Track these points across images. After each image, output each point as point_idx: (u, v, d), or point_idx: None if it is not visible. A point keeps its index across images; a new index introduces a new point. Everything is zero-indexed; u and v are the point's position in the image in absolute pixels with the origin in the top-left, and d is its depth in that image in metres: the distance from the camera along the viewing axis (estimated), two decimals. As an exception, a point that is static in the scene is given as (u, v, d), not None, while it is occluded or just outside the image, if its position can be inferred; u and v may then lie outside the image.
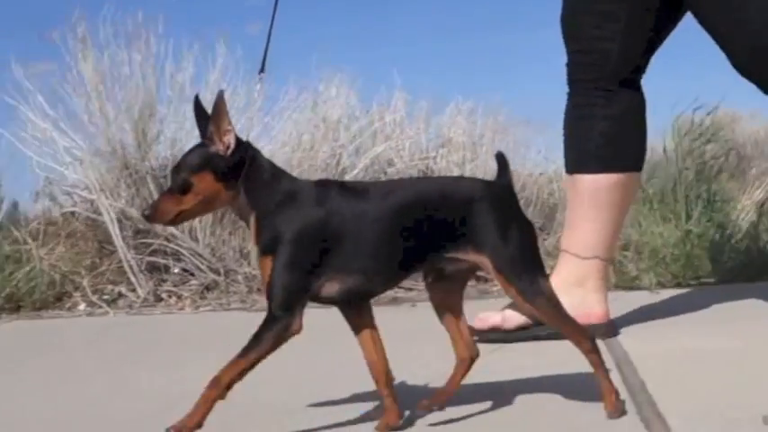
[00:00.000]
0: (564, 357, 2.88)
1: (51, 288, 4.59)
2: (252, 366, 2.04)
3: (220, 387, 2.03)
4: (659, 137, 5.05)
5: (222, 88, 4.75)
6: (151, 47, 4.91)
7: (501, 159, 2.23)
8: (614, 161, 3.24)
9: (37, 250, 4.62)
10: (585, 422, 2.24)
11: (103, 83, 4.87)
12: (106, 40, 4.88)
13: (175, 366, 3.11)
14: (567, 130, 3.33)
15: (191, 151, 2.14)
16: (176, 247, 4.66)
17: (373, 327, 2.20)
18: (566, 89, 3.32)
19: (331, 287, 2.08)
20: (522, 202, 4.83)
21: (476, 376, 2.30)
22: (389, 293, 4.38)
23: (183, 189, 2.08)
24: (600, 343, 3.05)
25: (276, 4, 2.66)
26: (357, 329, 2.20)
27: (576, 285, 3.24)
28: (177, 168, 2.11)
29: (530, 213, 4.94)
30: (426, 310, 2.33)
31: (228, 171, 2.08)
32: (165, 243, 4.68)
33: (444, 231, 2.12)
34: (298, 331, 2.05)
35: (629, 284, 4.41)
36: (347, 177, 4.88)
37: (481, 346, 2.33)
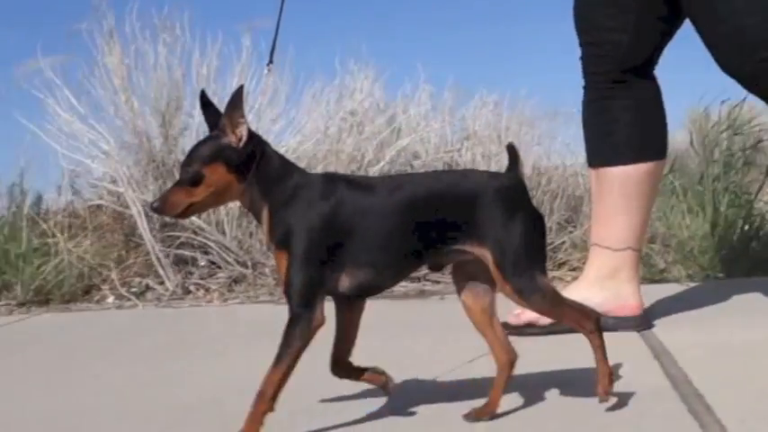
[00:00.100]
0: (611, 351, 2.90)
1: (80, 281, 4.61)
2: (290, 371, 2.04)
3: (266, 400, 2.03)
4: (684, 128, 5.06)
5: (247, 80, 4.81)
6: (177, 40, 4.91)
7: (512, 151, 2.22)
8: (642, 151, 3.24)
9: (65, 243, 4.64)
10: (633, 414, 2.23)
11: (129, 76, 4.87)
12: (132, 34, 4.88)
13: (214, 358, 3.13)
14: (589, 125, 3.33)
15: (202, 143, 2.12)
16: (204, 240, 4.67)
17: (358, 323, 2.20)
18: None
19: (344, 281, 2.08)
20: (547, 195, 4.90)
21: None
22: (417, 286, 4.41)
23: (194, 181, 2.06)
24: (635, 335, 3.11)
25: (282, 3, 2.67)
26: (343, 322, 2.19)
27: (609, 278, 3.24)
28: (188, 160, 2.09)
29: (555, 206, 4.93)
30: (455, 303, 2.32)
31: (241, 163, 2.07)
32: (193, 236, 4.68)
33: (451, 224, 2.11)
34: (322, 324, 2.05)
35: (658, 277, 4.40)
36: (372, 170, 4.88)
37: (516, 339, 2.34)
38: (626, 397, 2.35)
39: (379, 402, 2.36)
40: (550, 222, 4.88)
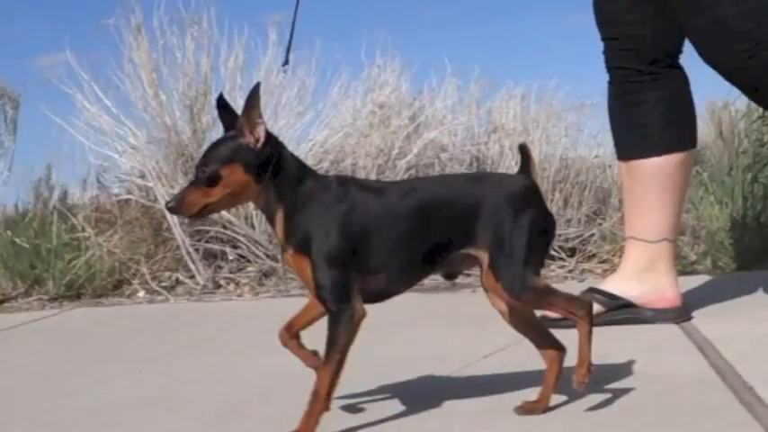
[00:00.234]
0: (653, 343, 2.91)
1: (110, 275, 4.63)
2: (341, 367, 2.04)
3: (322, 399, 2.04)
4: (706, 120, 5.05)
5: (273, 73, 4.81)
6: (204, 34, 4.91)
7: (524, 152, 2.21)
8: (676, 141, 3.23)
9: (96, 238, 4.65)
10: (685, 407, 2.23)
11: (157, 70, 4.88)
12: (160, 28, 4.88)
13: (254, 351, 3.12)
14: (617, 119, 3.32)
15: (219, 142, 2.10)
16: (233, 234, 4.68)
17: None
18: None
19: (361, 286, 2.08)
20: (576, 188, 4.89)
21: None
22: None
23: (211, 181, 2.04)
24: (676, 327, 3.10)
25: (297, 2, 2.67)
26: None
27: (646, 271, 3.24)
28: (205, 160, 2.07)
29: (584, 198, 4.93)
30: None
31: (258, 164, 2.05)
32: (222, 230, 4.69)
33: (460, 228, 2.11)
34: (363, 315, 2.05)
35: (688, 269, 4.39)
36: (399, 163, 4.88)
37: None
38: (676, 390, 2.36)
39: (412, 396, 2.37)
40: (579, 214, 4.88)
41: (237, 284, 4.60)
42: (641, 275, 3.24)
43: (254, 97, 2.05)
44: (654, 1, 3.15)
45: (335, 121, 5.05)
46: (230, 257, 4.72)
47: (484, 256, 2.11)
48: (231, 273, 4.67)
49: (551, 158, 4.97)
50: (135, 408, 2.55)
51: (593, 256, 4.72)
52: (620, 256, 4.49)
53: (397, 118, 5.03)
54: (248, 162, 2.05)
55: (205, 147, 4.71)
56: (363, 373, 2.32)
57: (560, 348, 2.25)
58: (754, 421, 2.09)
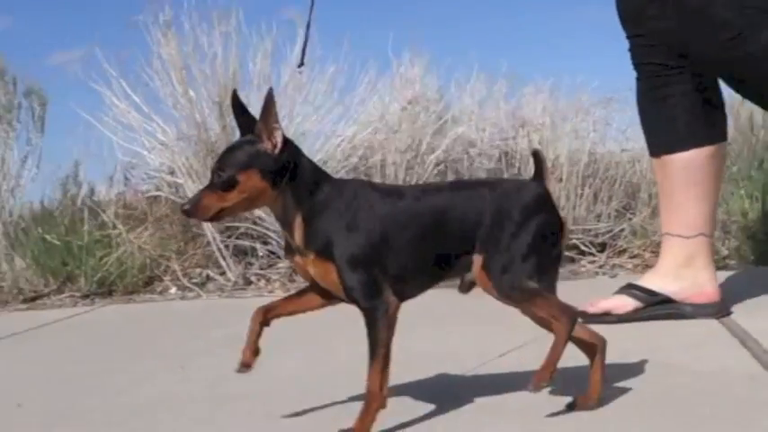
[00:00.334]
0: (695, 339, 2.90)
1: (141, 272, 4.63)
2: (388, 362, 2.04)
3: (376, 395, 2.04)
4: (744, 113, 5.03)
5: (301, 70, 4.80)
6: (233, 30, 4.91)
7: (537, 158, 2.21)
8: (704, 135, 3.22)
9: (127, 234, 4.66)
10: (734, 402, 2.23)
11: (187, 67, 4.88)
12: (190, 25, 4.88)
13: (292, 347, 3.12)
14: (647, 114, 3.32)
15: (237, 147, 2.10)
16: (264, 231, 4.68)
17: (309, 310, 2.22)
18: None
19: None
20: (605, 183, 4.87)
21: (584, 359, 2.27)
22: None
23: (228, 186, 2.04)
24: (716, 322, 3.10)
25: (312, 3, 2.67)
26: (305, 299, 2.20)
27: (684, 267, 3.23)
28: (222, 164, 2.07)
29: (614, 192, 4.91)
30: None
31: (275, 170, 2.05)
32: (252, 227, 4.70)
33: (470, 235, 2.10)
34: (397, 305, 2.06)
35: (721, 264, 4.36)
36: (428, 159, 4.88)
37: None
38: (726, 385, 2.35)
39: (427, 395, 2.38)
40: (609, 209, 4.87)
41: (268, 281, 4.61)
42: (679, 271, 3.24)
43: (270, 103, 2.06)
44: None
45: (363, 116, 5.05)
46: (261, 254, 4.73)
47: (478, 259, 2.10)
48: (262, 269, 4.68)
49: (580, 153, 4.95)
50: (182, 404, 2.55)
51: (624, 251, 4.71)
52: (652, 251, 4.53)
53: (424, 113, 5.03)
54: (265, 168, 2.05)
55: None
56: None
57: (600, 340, 2.24)
58: (808, 415, 2.09)
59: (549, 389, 2.18)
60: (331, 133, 5.00)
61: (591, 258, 4.67)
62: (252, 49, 4.95)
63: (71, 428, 2.43)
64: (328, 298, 2.16)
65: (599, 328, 2.30)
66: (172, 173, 4.93)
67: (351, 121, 5.06)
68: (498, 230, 2.10)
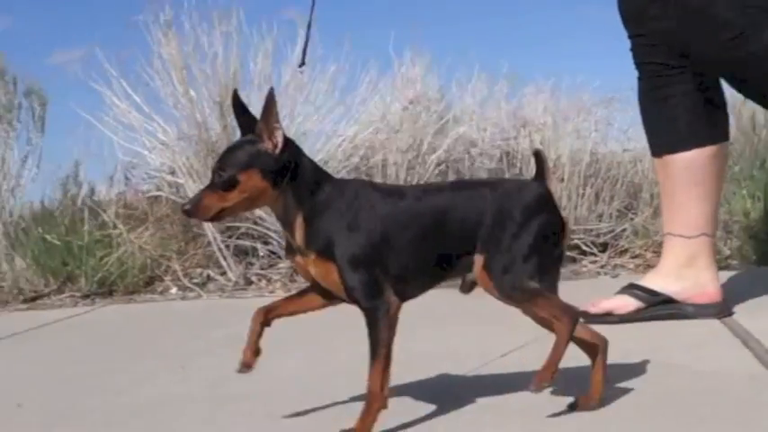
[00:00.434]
0: (697, 339, 2.89)
1: (142, 272, 4.63)
2: (389, 362, 2.04)
3: (377, 395, 2.04)
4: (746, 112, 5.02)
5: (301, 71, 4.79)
6: (233, 30, 4.90)
7: (539, 158, 2.21)
8: (706, 134, 3.22)
9: (127, 234, 4.66)
10: (736, 403, 2.23)
11: (187, 67, 4.87)
12: (191, 24, 4.88)
13: (293, 347, 3.11)
14: (648, 114, 3.31)
15: (237, 147, 2.10)
16: (264, 231, 4.68)
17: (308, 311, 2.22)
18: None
19: None
20: (607, 183, 4.86)
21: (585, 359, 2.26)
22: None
23: (228, 186, 2.04)
24: (718, 323, 3.09)
25: (313, 3, 2.67)
26: (305, 300, 2.20)
27: (686, 267, 3.23)
28: (222, 164, 2.07)
29: (615, 192, 4.90)
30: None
31: (276, 170, 2.05)
32: (253, 227, 4.69)
33: (471, 235, 2.10)
34: (398, 305, 2.06)
35: (722, 264, 4.36)
36: (429, 159, 4.87)
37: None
38: (727, 385, 2.34)
39: (429, 395, 2.37)
40: (610, 209, 4.86)
41: (269, 281, 4.60)
42: (681, 271, 3.23)
43: (271, 102, 2.05)
44: None
45: (365, 116, 5.04)
46: (261, 254, 4.72)
47: (479, 259, 2.10)
48: (263, 269, 4.67)
49: (581, 153, 4.94)
50: (182, 404, 2.55)
51: (626, 251, 4.70)
52: (653, 251, 4.52)
53: (426, 113, 5.02)
54: (266, 168, 2.05)
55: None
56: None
57: (601, 340, 2.23)
58: (811, 416, 2.08)
59: (550, 389, 2.16)
60: (332, 133, 5.00)
61: (592, 258, 4.66)
62: (253, 48, 4.95)
63: (71, 428, 2.43)
64: (329, 298, 2.16)
65: (600, 329, 2.29)
66: (172, 173, 4.93)
67: (352, 120, 5.06)
68: (499, 230, 2.10)
